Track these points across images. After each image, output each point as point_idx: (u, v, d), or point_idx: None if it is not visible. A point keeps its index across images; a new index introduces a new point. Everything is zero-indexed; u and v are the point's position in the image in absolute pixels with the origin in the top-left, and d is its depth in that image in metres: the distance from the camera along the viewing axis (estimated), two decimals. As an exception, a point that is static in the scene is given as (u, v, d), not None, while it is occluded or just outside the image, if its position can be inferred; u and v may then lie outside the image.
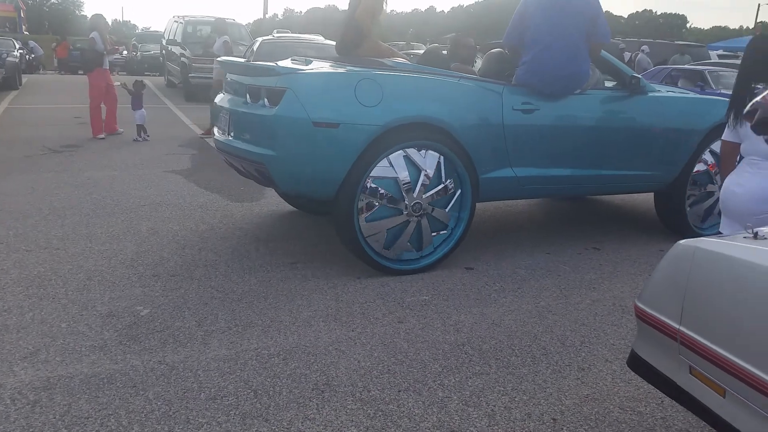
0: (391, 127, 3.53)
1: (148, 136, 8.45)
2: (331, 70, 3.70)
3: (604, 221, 5.28)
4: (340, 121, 3.45)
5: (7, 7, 35.55)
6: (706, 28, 77.65)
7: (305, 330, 2.98)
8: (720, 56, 18.55)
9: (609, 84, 4.54)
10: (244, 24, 16.64)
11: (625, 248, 4.40)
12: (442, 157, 3.73)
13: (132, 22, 73.73)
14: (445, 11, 66.78)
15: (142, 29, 33.71)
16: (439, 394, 2.45)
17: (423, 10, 70.93)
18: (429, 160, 3.70)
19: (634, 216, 5.48)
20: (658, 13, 76.80)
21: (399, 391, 2.46)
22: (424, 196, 3.69)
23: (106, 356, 2.67)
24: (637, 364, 1.96)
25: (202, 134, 8.93)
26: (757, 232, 1.70)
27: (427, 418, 2.29)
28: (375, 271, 3.75)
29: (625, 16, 76.19)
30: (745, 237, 1.71)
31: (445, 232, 3.86)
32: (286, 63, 3.95)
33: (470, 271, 3.85)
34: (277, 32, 13.52)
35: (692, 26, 78.57)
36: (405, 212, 3.67)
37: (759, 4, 47.29)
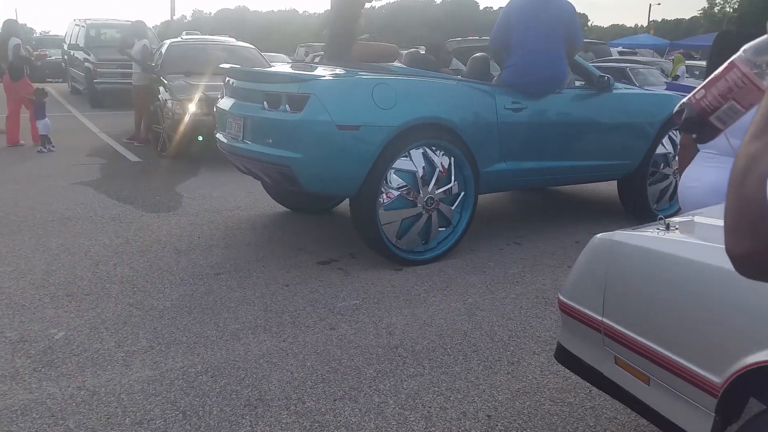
0: (405, 128, 3.82)
1: (53, 146, 7.96)
2: (349, 76, 4.03)
3: (525, 216, 5.47)
4: (361, 123, 3.72)
5: None
6: (605, 26, 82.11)
7: (233, 344, 2.90)
8: (620, 53, 19.68)
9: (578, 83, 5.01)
10: (150, 26, 16.00)
11: (544, 242, 4.57)
12: (452, 158, 4.05)
13: (28, 26, 69.32)
14: (308, 12, 67.01)
15: (41, 33, 31.69)
16: (375, 400, 2.45)
17: (286, 9, 70.73)
18: (441, 159, 4.02)
19: (551, 210, 5.70)
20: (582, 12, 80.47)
21: (335, 400, 2.44)
22: (436, 192, 4.00)
23: (19, 385, 2.49)
24: (564, 356, 2.03)
25: (128, 140, 8.56)
26: (668, 224, 1.79)
27: (364, 426, 2.28)
28: (303, 278, 3.71)
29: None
30: (658, 229, 1.81)
31: (448, 228, 4.18)
32: (295, 69, 4.31)
33: (399, 272, 3.87)
34: (186, 34, 13.12)
35: (593, 24, 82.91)
36: (419, 205, 3.96)
37: (650, 5, 50.54)
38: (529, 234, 4.69)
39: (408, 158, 3.91)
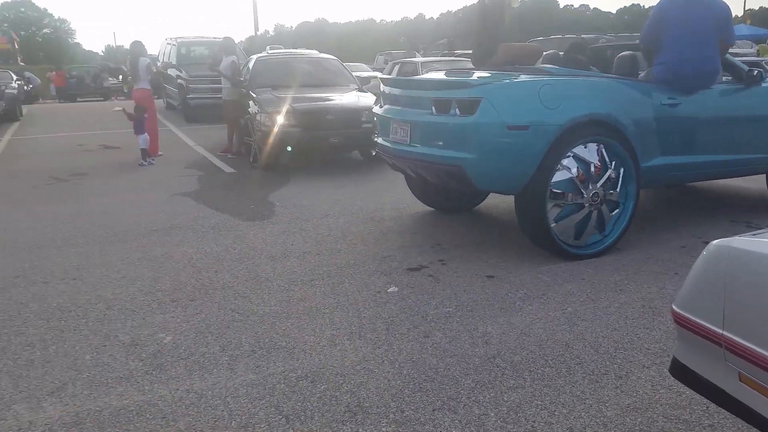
0: (570, 125, 3.97)
1: (153, 160, 8.44)
2: (516, 79, 4.19)
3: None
4: (529, 123, 3.92)
5: (0, 39, 35.74)
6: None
7: (330, 350, 2.94)
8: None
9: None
10: (237, 42, 16.67)
11: (645, 247, 4.36)
12: (602, 146, 4.14)
13: (125, 47, 74.16)
14: (434, 17, 67.06)
15: (138, 53, 33.80)
16: (476, 412, 2.40)
17: (412, 17, 71.15)
18: (596, 152, 4.13)
19: (645, 214, 5.44)
20: (646, 6, 77.00)
21: (434, 410, 2.42)
22: (598, 185, 4.12)
23: (134, 387, 2.63)
24: (680, 371, 1.91)
25: (222, 152, 8.95)
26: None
27: (466, 436, 2.24)
28: (393, 285, 3.72)
29: (614, 12, 76.47)
30: (777, 232, 1.67)
31: (618, 210, 4.28)
32: (455, 76, 4.64)
33: (491, 279, 3.81)
34: (270, 48, 13.59)
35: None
36: (587, 205, 4.10)
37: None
38: (627, 239, 4.48)
39: (572, 156, 4.05)
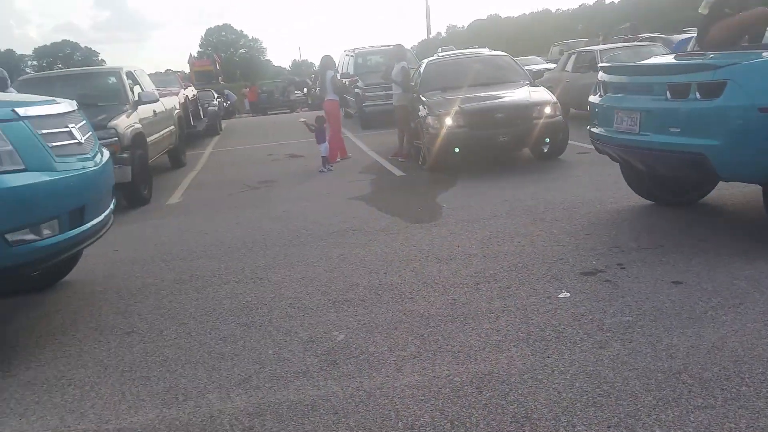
0: None
1: (331, 166, 8.96)
2: (762, 59, 3.85)
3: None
4: None
5: (205, 62, 40.43)
6: None
7: (496, 356, 2.87)
8: None
9: None
10: (409, 47, 17.10)
11: None
12: None
13: (309, 61, 79.82)
14: (615, 1, 62.65)
15: (319, 66, 36.36)
16: None
17: (591, 3, 67.19)
18: None
19: None
20: None
21: (609, 427, 2.24)
22: None
23: (309, 382, 2.79)
24: None
25: (393, 156, 9.29)
26: None
27: (644, 458, 2.05)
28: (566, 290, 3.54)
29: None
30: None
31: None
32: (691, 59, 4.42)
33: (678, 286, 3.45)
34: (442, 50, 13.69)
35: None
36: None
37: None
38: None
39: None
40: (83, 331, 3.59)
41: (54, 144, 3.39)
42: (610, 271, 3.79)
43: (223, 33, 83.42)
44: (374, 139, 11.80)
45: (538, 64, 19.09)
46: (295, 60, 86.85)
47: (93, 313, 3.90)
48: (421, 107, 8.25)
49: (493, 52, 10.41)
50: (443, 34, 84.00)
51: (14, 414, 2.72)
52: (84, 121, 3.68)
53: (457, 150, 7.49)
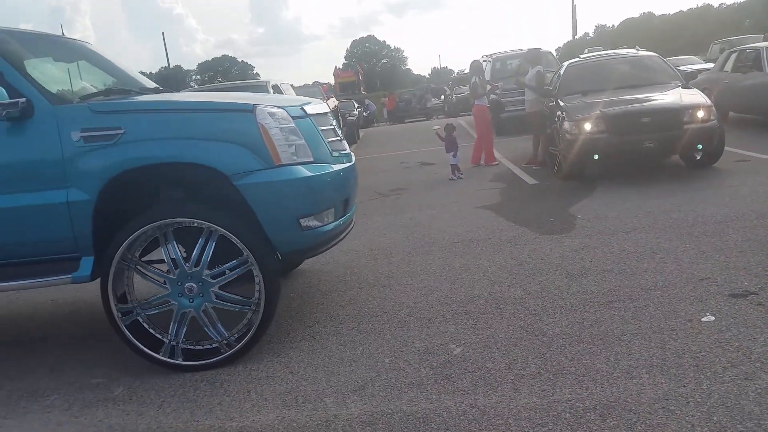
0: None
1: (461, 174, 8.90)
2: None
3: None
4: None
5: (348, 73, 42.11)
6: None
7: (625, 382, 2.65)
8: None
9: None
10: (552, 50, 16.53)
11: None
12: None
13: (449, 68, 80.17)
14: (725, 3, 55.55)
15: (458, 72, 36.43)
16: (811, 485, 1.89)
17: (698, 5, 60.49)
18: None
19: None
20: None
21: (750, 473, 1.98)
22: None
23: (423, 394, 2.77)
24: None
25: (526, 163, 9.07)
26: None
27: None
28: (710, 313, 3.19)
29: None
30: None
31: None
32: None
33: None
34: (588, 51, 13.03)
35: None
36: None
37: None
38: None
39: None
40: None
41: (329, 139, 3.69)
42: (764, 293, 3.37)
43: (367, 44, 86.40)
44: (509, 145, 11.54)
45: (695, 64, 17.60)
46: (434, 67, 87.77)
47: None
48: (558, 112, 7.93)
49: (641, 53, 9.74)
50: (590, 35, 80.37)
51: (153, 405, 2.98)
52: (334, 121, 3.98)
53: (596, 157, 7.09)
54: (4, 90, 3.06)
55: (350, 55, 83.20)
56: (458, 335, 3.35)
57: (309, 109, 3.57)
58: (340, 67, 52.89)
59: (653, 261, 4.17)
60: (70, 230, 3.16)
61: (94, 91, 3.55)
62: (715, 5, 64.37)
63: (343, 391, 2.88)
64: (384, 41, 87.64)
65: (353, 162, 3.93)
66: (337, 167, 3.56)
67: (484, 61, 16.60)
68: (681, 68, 11.41)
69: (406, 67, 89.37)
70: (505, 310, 3.61)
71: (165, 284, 3.27)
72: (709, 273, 3.80)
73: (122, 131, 3.10)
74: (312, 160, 3.34)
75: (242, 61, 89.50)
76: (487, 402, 2.64)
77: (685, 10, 67.43)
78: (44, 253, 3.26)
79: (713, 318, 3.16)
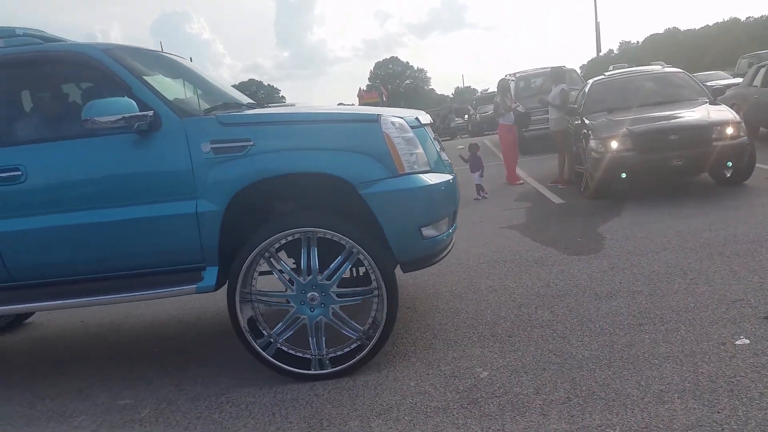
0: None
1: (486, 194, 8.85)
2: None
3: None
4: None
5: (372, 94, 42.43)
6: None
7: (657, 407, 2.59)
8: None
9: None
10: (576, 68, 16.47)
11: None
12: None
13: (472, 87, 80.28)
14: (753, 17, 54.03)
15: (481, 92, 36.49)
16: None
17: (724, 19, 59.26)
18: None
19: None
20: None
21: (791, 506, 1.91)
22: None
23: (449, 419, 2.73)
24: None
25: (552, 182, 8.99)
26: None
27: None
28: (744, 336, 3.11)
29: None
30: None
31: None
32: None
33: None
34: (613, 68, 12.93)
35: None
36: None
37: None
38: None
39: None
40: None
41: (438, 149, 3.74)
42: (803, 316, 3.27)
43: (390, 66, 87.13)
44: (534, 165, 11.48)
45: (722, 79, 17.35)
46: (458, 87, 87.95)
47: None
48: (584, 130, 7.87)
49: (667, 69, 9.65)
50: (615, 51, 79.87)
51: (179, 426, 2.99)
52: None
53: (623, 176, 7.00)
54: (134, 103, 3.13)
55: (374, 76, 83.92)
56: (485, 358, 3.31)
57: (422, 119, 3.63)
58: (364, 88, 53.31)
59: (684, 282, 4.08)
60: (198, 240, 3.22)
61: (207, 105, 3.60)
62: (743, 19, 63.50)
63: (368, 414, 2.86)
64: (407, 62, 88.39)
65: (455, 174, 3.90)
66: (450, 177, 3.57)
67: (508, 80, 16.61)
68: (708, 84, 11.26)
69: (430, 87, 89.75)
70: (533, 333, 3.56)
71: (288, 303, 3.31)
72: (742, 294, 3.70)
73: (251, 143, 3.16)
74: (429, 168, 3.37)
75: (268, 84, 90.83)
76: (514, 427, 2.59)
77: (711, 24, 66.56)
78: (170, 263, 3.31)
79: (748, 341, 3.07)
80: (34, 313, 5.16)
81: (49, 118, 3.64)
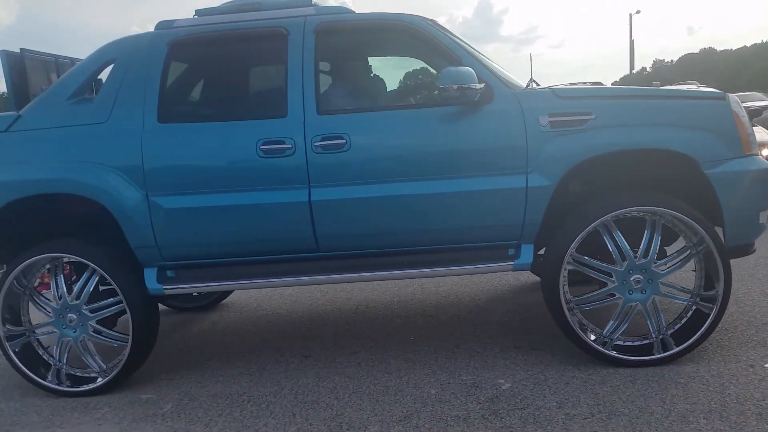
0: None
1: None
2: None
3: None
4: None
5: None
6: None
7: (681, 426, 2.54)
8: None
9: None
10: (609, 85, 16.31)
11: None
12: None
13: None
14: None
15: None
16: None
17: (762, 41, 58.19)
18: None
19: None
20: None
21: None
22: None
23: (469, 429, 2.71)
24: None
25: None
26: None
27: None
28: (777, 359, 3.04)
29: None
30: None
31: None
32: None
33: None
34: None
35: None
36: None
37: None
38: None
39: None
40: (267, 351, 3.89)
41: None
42: (837, 342, 3.19)
43: (420, 76, 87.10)
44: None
45: (760, 101, 17.04)
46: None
47: (278, 334, 4.22)
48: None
49: (701, 89, 9.51)
50: (648, 69, 79.01)
51: (201, 423, 3.01)
52: None
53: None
54: (474, 74, 3.04)
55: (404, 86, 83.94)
56: (507, 370, 3.28)
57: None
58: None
59: (713, 302, 4.00)
60: (522, 216, 3.15)
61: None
62: (780, 41, 62.29)
63: (388, 420, 2.86)
64: (436, 72, 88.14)
65: None
66: None
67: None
68: (745, 105, 11.07)
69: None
70: (557, 346, 3.52)
71: (612, 278, 3.18)
72: (774, 317, 3.62)
73: (592, 116, 3.08)
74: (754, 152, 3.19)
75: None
76: (535, 440, 2.56)
77: (748, 45, 65.52)
78: (485, 239, 3.25)
79: (779, 365, 3.01)
80: (232, 292, 5.12)
81: (370, 88, 3.70)
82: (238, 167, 3.21)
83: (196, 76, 3.83)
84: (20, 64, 3.64)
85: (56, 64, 3.99)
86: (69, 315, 3.42)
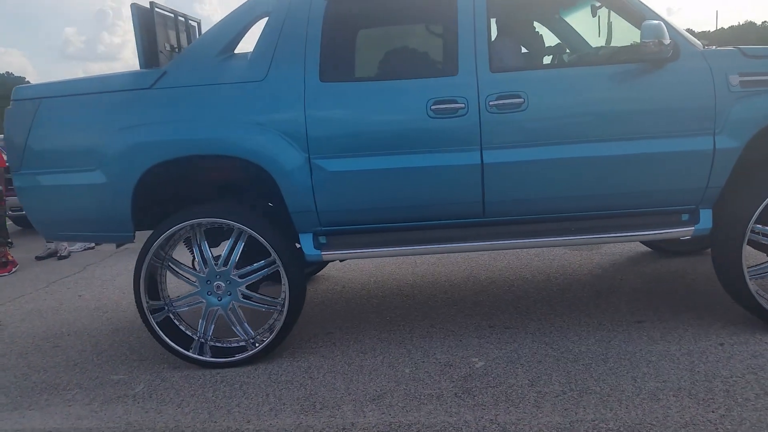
0: None
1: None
2: None
3: None
4: None
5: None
6: None
7: (651, 404, 2.57)
8: None
9: None
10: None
11: None
12: None
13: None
14: None
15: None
16: None
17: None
18: None
19: None
20: None
21: (782, 507, 1.89)
22: None
23: (442, 407, 2.72)
24: None
25: None
26: None
27: None
28: (743, 337, 3.10)
29: None
30: None
31: None
32: None
33: None
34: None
35: None
36: None
37: None
38: None
39: None
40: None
41: None
42: (804, 321, 3.24)
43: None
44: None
45: None
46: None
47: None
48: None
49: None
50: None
51: (172, 404, 2.98)
52: None
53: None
54: (665, 28, 2.89)
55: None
56: (481, 349, 3.30)
57: None
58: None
59: (684, 283, 4.06)
60: (706, 179, 3.03)
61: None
62: (758, 23, 62.89)
63: (362, 399, 2.85)
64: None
65: None
66: None
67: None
68: None
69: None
70: (531, 326, 3.54)
71: None
72: (743, 296, 3.67)
73: None
74: None
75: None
76: (507, 418, 2.58)
77: (726, 27, 65.90)
78: (663, 203, 3.12)
79: (745, 342, 3.05)
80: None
81: (536, 45, 3.58)
82: (407, 128, 3.07)
83: (359, 32, 3.66)
84: (149, 19, 3.39)
85: (186, 24, 3.79)
86: (216, 282, 3.31)
